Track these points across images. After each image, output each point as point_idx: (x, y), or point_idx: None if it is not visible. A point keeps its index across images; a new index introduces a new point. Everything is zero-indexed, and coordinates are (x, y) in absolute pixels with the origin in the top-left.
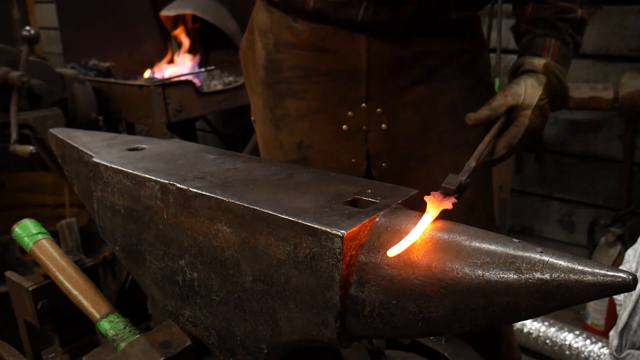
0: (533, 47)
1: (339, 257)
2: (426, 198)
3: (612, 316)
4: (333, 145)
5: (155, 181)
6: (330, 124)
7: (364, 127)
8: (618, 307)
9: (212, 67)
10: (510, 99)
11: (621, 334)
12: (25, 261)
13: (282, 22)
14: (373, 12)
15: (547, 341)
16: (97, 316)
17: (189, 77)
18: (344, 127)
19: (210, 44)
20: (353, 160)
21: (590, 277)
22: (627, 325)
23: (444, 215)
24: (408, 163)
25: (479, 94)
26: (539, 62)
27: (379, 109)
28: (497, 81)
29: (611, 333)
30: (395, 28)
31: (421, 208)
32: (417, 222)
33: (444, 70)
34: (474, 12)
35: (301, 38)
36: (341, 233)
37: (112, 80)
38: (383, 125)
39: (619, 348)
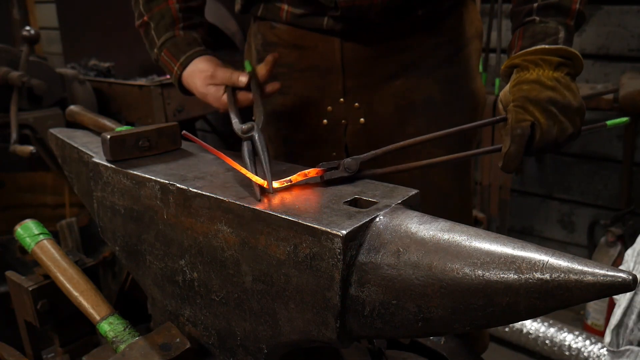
0: (509, 52)
1: (339, 257)
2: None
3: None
4: (315, 138)
5: (155, 181)
6: (312, 118)
7: (343, 121)
8: None
9: None
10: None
11: (617, 332)
12: (26, 261)
13: (266, 25)
14: (335, 21)
15: (547, 342)
16: (97, 318)
17: None
18: (324, 121)
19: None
20: (334, 153)
21: (590, 277)
22: (622, 323)
23: (423, 210)
24: (385, 157)
25: (457, 88)
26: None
27: (356, 103)
28: (497, 81)
29: (607, 332)
30: (364, 30)
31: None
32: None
33: (420, 64)
34: (445, 5)
35: (282, 37)
36: (341, 233)
37: (112, 80)
38: (361, 119)
39: (614, 345)
